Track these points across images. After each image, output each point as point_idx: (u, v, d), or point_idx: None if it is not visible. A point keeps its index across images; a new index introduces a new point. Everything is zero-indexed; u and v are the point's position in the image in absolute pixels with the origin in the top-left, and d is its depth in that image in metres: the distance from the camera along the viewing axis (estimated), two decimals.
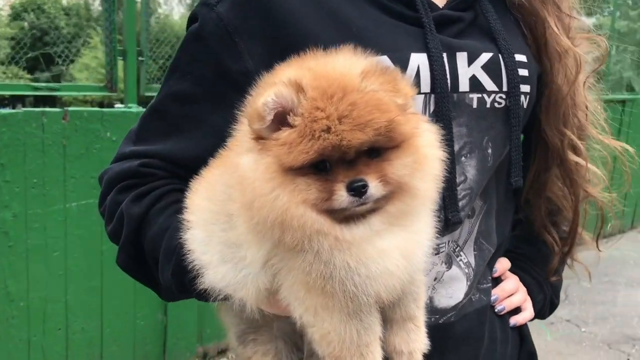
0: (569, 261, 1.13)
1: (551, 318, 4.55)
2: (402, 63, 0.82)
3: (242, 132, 0.73)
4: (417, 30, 0.87)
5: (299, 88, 0.66)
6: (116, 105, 3.95)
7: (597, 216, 1.11)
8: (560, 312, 4.47)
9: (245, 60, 0.87)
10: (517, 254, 1.08)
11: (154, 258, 0.87)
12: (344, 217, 0.67)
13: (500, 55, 0.90)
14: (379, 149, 0.67)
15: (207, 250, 0.77)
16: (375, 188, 0.66)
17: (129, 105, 3.20)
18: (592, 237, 1.15)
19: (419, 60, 0.84)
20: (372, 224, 0.68)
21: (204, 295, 0.80)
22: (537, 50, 0.97)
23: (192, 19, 0.91)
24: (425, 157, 0.69)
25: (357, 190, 0.65)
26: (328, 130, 0.64)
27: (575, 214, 1.06)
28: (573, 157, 1.02)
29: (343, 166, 0.66)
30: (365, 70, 0.67)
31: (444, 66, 0.86)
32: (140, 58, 3.31)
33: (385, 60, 0.81)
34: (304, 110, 0.65)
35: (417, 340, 0.79)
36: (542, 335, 4.14)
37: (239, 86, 0.82)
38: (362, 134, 0.64)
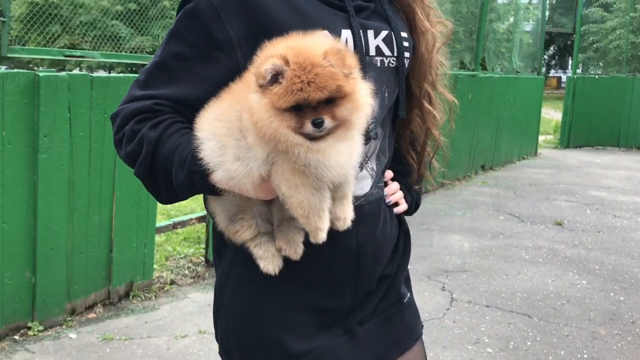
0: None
1: None
2: (336, 35, 1.24)
3: (250, 80, 1.13)
4: (343, 15, 1.30)
5: (285, 61, 1.07)
6: None
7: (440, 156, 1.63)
8: None
9: (228, 30, 1.23)
10: (393, 170, 1.56)
11: (166, 168, 1.21)
12: (312, 138, 1.10)
13: (392, 32, 1.35)
14: (333, 99, 1.09)
15: (223, 153, 1.14)
16: (328, 122, 1.09)
17: None
18: (439, 166, 1.65)
19: (346, 34, 1.27)
20: (329, 140, 1.11)
21: (209, 188, 1.19)
22: (409, 29, 1.44)
23: (186, 0, 1.26)
24: (360, 103, 1.12)
25: (317, 124, 1.08)
26: (301, 90, 1.06)
27: (424, 143, 1.55)
28: (427, 105, 1.51)
29: (310, 109, 1.08)
30: (326, 51, 1.09)
31: (362, 38, 1.28)
32: (1, 19, 3.31)
33: (326, 34, 1.22)
34: (287, 76, 1.07)
35: (348, 211, 1.24)
36: None
37: (223, 49, 1.23)
38: (320, 93, 1.07)
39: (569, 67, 26.46)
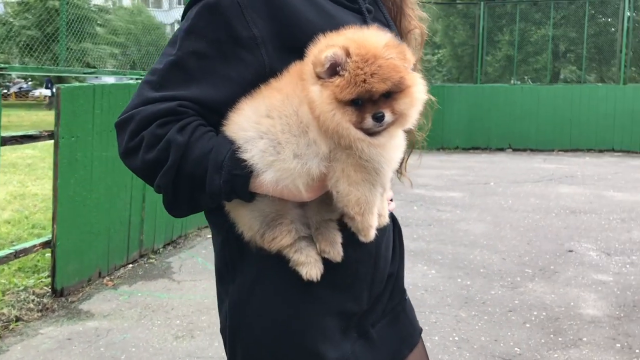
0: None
1: None
2: None
3: (304, 72, 1.07)
4: (359, 16, 1.29)
5: (347, 52, 1.03)
6: None
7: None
8: None
9: (252, 28, 1.13)
10: None
11: (194, 175, 1.07)
12: (370, 133, 1.07)
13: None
14: (392, 93, 1.07)
15: (278, 152, 1.04)
16: (388, 117, 1.07)
17: None
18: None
19: None
20: (385, 135, 1.09)
21: (249, 193, 1.10)
22: (397, 28, 1.46)
23: None
24: (416, 98, 1.10)
25: (378, 118, 1.06)
26: (364, 81, 1.03)
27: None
28: None
29: (370, 103, 1.05)
30: (387, 43, 1.06)
31: None
32: None
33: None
34: (350, 68, 1.03)
35: (386, 207, 1.23)
36: None
37: (248, 48, 1.13)
38: (384, 85, 1.04)
39: None
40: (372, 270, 1.31)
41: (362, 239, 1.14)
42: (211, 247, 6.02)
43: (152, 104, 1.10)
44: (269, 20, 1.15)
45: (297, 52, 1.15)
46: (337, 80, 1.03)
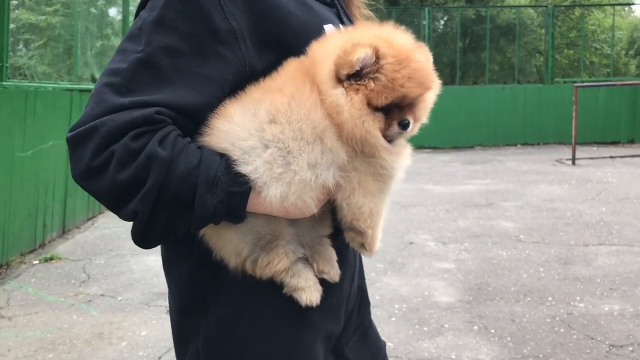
0: None
1: (87, 297, 4.81)
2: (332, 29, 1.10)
3: (317, 72, 0.95)
4: (332, 10, 1.18)
5: (378, 54, 0.92)
6: None
7: None
8: (91, 289, 4.68)
9: (230, 20, 0.96)
10: None
11: (177, 196, 0.87)
12: (389, 140, 0.98)
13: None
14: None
15: (288, 163, 0.88)
16: (412, 124, 0.98)
17: None
18: None
19: (332, 30, 1.11)
20: (401, 143, 1.01)
21: (244, 214, 0.92)
22: None
23: None
24: (428, 105, 1.03)
25: (405, 125, 0.97)
26: (402, 86, 0.92)
27: None
28: None
29: (397, 109, 0.95)
30: (415, 44, 0.97)
31: None
32: None
33: (329, 27, 1.08)
34: (387, 71, 0.91)
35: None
36: (88, 313, 4.28)
37: (226, 43, 0.96)
38: (419, 90, 0.95)
39: None
40: (350, 286, 1.20)
41: (366, 254, 1.02)
42: (41, 275, 5.40)
43: (120, 112, 0.87)
44: (247, 11, 0.99)
45: (277, 48, 1.00)
46: (370, 84, 0.91)
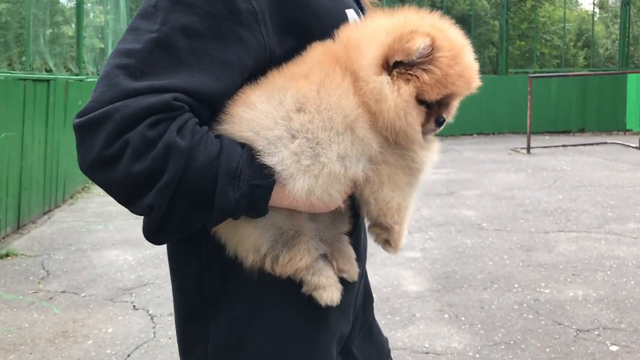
0: None
1: (47, 294, 4.65)
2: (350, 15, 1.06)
3: (354, 58, 0.90)
4: None
5: (434, 45, 0.88)
6: None
7: None
8: (51, 286, 4.52)
9: (252, 0, 0.90)
10: None
11: (196, 189, 0.82)
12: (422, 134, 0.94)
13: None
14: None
15: (317, 154, 0.83)
16: (447, 122, 0.96)
17: None
18: None
19: (353, 15, 1.07)
20: (431, 138, 0.98)
21: (266, 209, 0.88)
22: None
23: None
24: (456, 104, 0.99)
25: (441, 123, 0.94)
26: (453, 83, 0.89)
27: None
28: None
29: (436, 105, 0.92)
30: (466, 42, 0.94)
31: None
32: None
33: (351, 12, 1.04)
34: (442, 65, 0.87)
35: None
36: (49, 311, 4.13)
37: (246, 25, 0.89)
38: (466, 90, 0.92)
39: None
40: (359, 283, 1.16)
41: (390, 251, 0.99)
42: None
43: (135, 97, 0.80)
44: None
45: (298, 33, 0.95)
46: (424, 76, 0.87)
